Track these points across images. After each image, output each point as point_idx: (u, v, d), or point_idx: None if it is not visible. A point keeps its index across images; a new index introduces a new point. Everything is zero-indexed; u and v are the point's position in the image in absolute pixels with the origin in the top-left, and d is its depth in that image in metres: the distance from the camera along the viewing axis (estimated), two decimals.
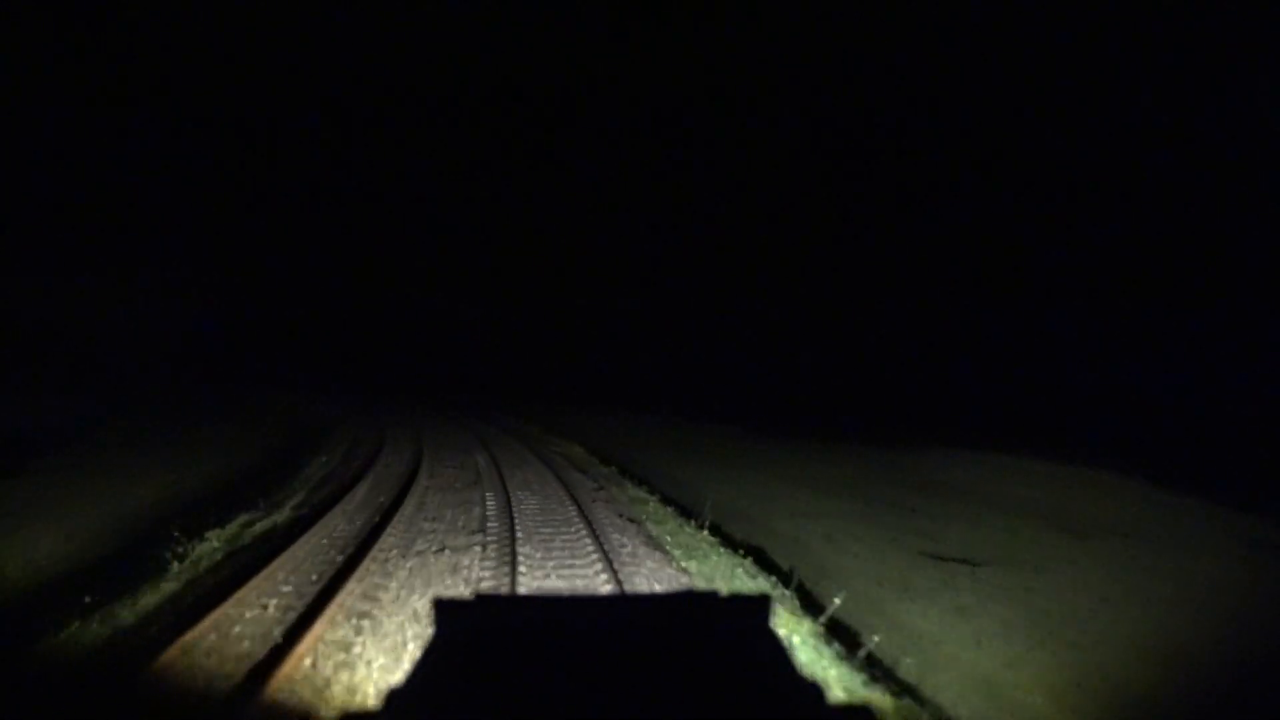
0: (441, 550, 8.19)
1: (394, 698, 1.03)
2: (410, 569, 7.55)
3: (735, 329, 61.77)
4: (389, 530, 8.90)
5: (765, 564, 9.50)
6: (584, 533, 8.78)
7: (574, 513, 9.69)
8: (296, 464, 14.96)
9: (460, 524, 9.50)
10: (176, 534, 8.83)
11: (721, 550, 9.20)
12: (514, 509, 9.95)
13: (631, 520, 9.91)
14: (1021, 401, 43.20)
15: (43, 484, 15.84)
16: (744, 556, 9.16)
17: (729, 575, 8.18)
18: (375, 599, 6.63)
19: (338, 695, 4.79)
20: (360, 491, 11.44)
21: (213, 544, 8.92)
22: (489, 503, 10.53)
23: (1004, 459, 29.02)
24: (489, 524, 9.51)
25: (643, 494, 12.68)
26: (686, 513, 11.71)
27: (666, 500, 12.71)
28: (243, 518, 10.11)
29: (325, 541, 8.50)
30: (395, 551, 8.12)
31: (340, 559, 7.78)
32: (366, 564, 7.49)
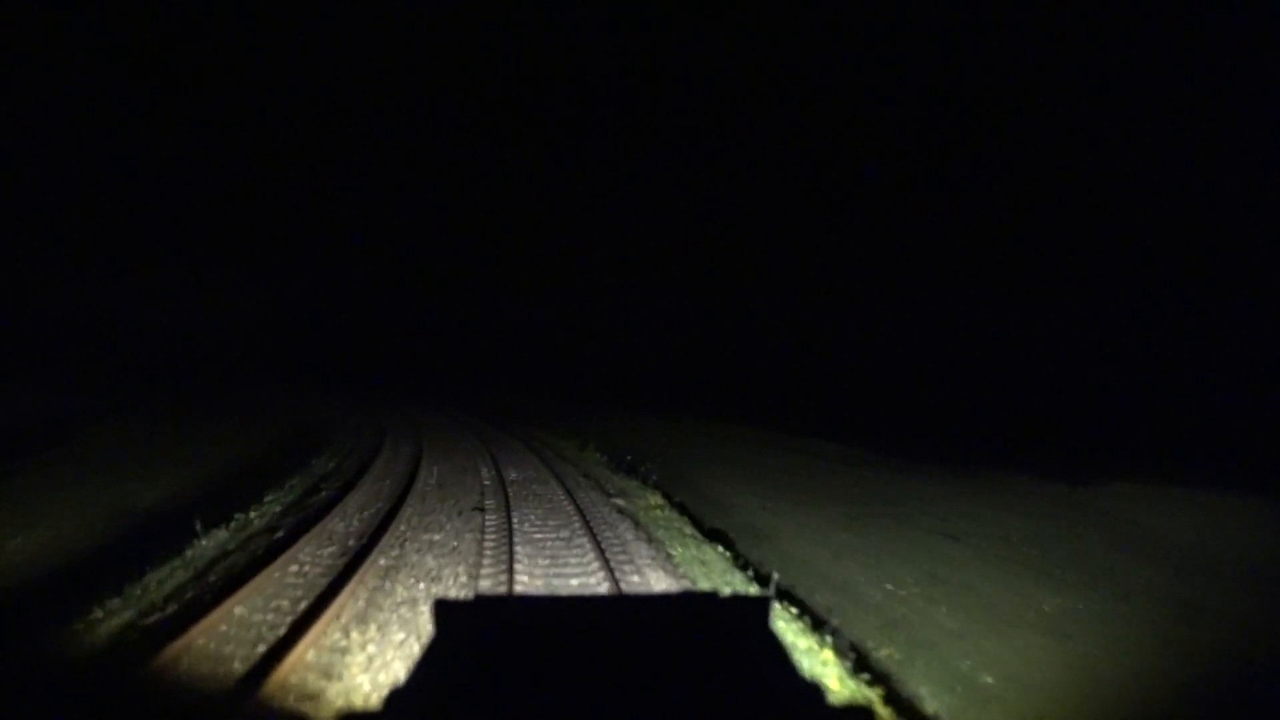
0: None
1: (395, 698, 1.13)
2: None
3: (790, 328, 53.76)
4: None
5: None
6: None
7: None
8: (223, 512, 9.46)
9: None
10: None
11: None
12: None
13: None
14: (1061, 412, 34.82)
15: None
16: None
17: None
18: None
19: None
20: (248, 604, 5.58)
21: None
22: None
23: (1208, 499, 20.49)
24: None
25: (806, 638, 6.22)
26: (892, 694, 5.22)
27: (850, 658, 6.22)
28: None
29: None
30: None
31: None
32: None
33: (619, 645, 1.41)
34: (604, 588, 6.59)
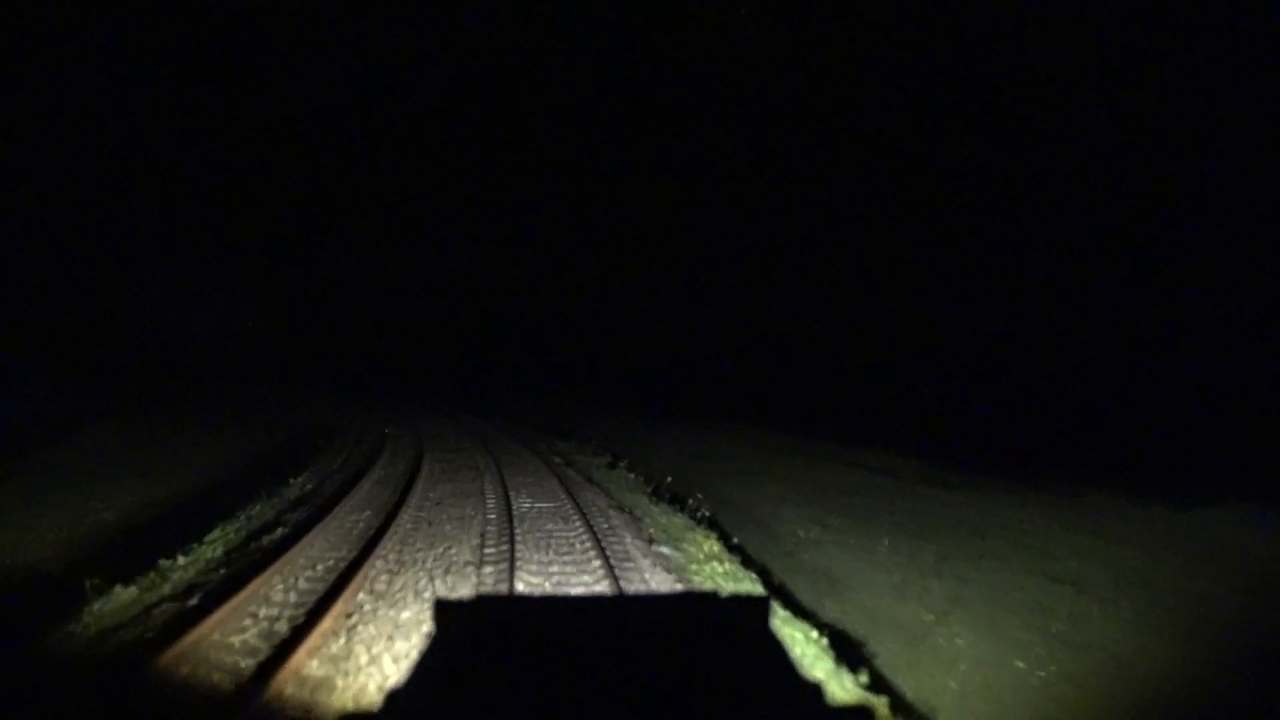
0: None
1: (394, 698, 0.99)
2: None
3: (832, 330, 49.97)
4: None
5: None
6: None
7: None
8: (151, 554, 7.10)
9: None
10: None
11: None
12: None
13: None
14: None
15: None
16: None
17: None
18: None
19: None
20: None
21: None
22: None
23: None
24: None
25: None
26: None
27: None
28: None
29: None
30: None
31: None
32: None
33: (620, 645, 1.20)
34: None
